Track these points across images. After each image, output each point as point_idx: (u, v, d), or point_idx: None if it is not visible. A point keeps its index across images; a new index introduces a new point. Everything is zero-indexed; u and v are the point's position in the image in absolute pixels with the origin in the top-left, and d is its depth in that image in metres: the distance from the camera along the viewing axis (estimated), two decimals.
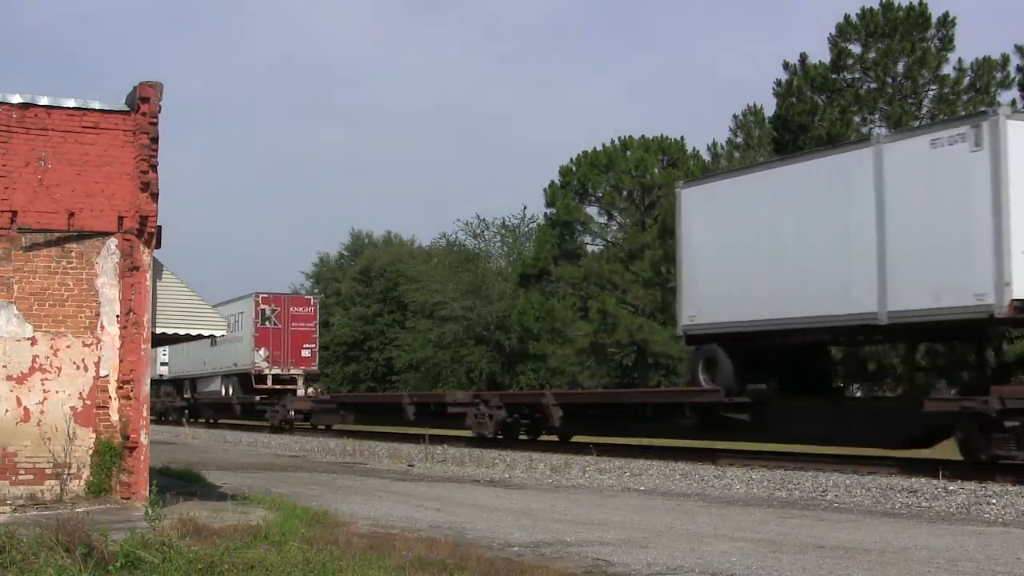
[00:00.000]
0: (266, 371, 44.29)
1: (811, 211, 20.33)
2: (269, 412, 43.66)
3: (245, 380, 45.40)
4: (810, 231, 20.36)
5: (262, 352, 44.39)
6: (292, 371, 44.61)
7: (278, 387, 44.13)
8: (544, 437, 29.30)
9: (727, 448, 23.59)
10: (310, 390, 44.62)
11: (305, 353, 45.10)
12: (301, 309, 45.55)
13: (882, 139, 19.95)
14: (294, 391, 44.24)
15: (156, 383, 54.87)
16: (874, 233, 18.98)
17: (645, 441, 25.99)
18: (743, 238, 21.90)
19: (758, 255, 21.43)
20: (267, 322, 44.45)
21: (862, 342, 25.13)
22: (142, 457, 13.10)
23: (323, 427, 42.03)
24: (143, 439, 13.13)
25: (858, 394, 32.73)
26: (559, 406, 26.99)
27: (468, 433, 30.18)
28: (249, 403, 45.52)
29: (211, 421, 52.50)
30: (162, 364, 54.30)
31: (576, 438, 28.27)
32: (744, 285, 21.70)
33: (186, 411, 53.85)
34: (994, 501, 14.26)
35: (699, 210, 23.24)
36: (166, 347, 49.64)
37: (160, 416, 53.45)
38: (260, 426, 44.37)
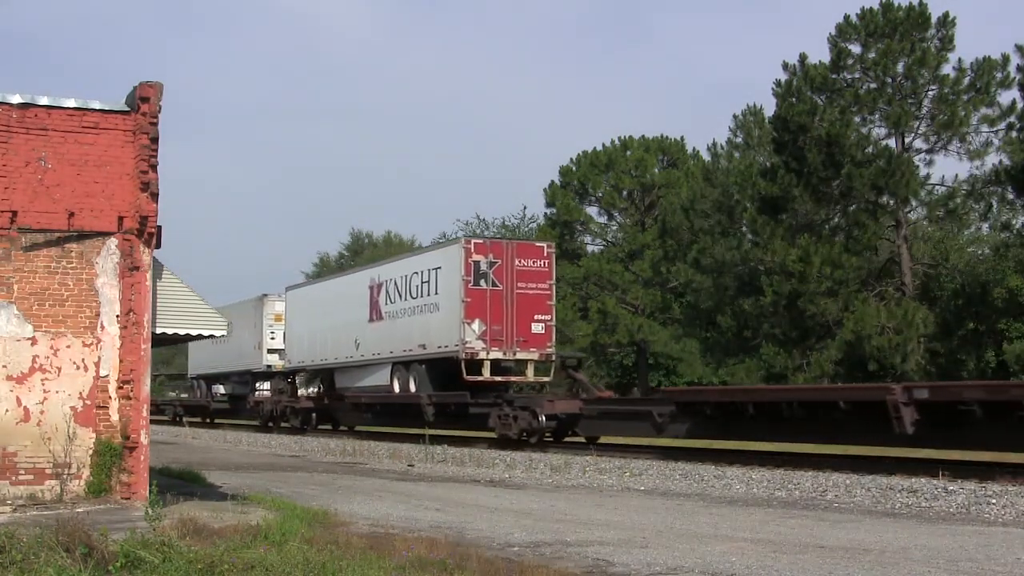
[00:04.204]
0: (481, 355, 28.48)
1: None
2: (495, 417, 28.00)
3: (442, 368, 29.94)
4: None
5: (475, 326, 28.38)
6: (519, 355, 28.82)
7: (498, 379, 28.92)
8: None
9: (726, 448, 23.50)
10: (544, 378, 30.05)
11: (537, 328, 28.89)
12: (531, 263, 29.07)
13: None
14: (540, 386, 30.46)
15: (262, 376, 43.73)
16: None
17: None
18: None
19: None
20: (482, 281, 28.47)
21: None
22: (142, 457, 13.11)
23: (584, 440, 27.25)
24: (143, 439, 13.13)
25: None
26: None
27: None
28: (458, 403, 29.58)
29: (352, 429, 38.22)
30: (270, 352, 41.71)
31: None
32: None
33: (314, 414, 38.88)
34: (994, 501, 14.24)
35: None
36: (274, 330, 40.95)
37: (269, 422, 41.09)
38: (473, 438, 29.87)
